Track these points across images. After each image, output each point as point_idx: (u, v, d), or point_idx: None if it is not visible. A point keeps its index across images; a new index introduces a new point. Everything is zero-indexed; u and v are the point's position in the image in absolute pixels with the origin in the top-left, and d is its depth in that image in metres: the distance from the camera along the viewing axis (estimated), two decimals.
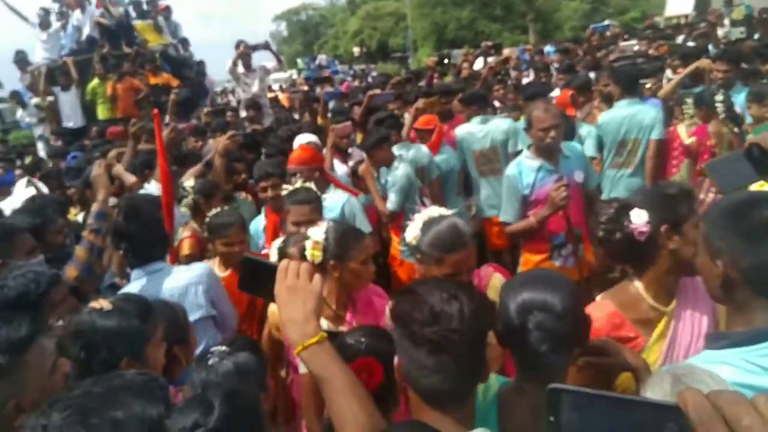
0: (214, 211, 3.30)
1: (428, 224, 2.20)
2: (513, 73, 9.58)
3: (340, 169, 4.93)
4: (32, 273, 2.25)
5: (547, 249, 3.71)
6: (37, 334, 1.64)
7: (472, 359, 1.27)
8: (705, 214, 1.55)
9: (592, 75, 6.88)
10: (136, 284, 2.65)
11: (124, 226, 2.66)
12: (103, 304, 1.88)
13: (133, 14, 11.93)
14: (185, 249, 3.41)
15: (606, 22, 12.97)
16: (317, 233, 2.39)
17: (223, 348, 1.96)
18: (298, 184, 3.30)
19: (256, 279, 1.45)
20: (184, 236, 3.47)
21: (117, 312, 1.85)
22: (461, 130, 5.44)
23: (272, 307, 2.55)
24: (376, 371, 1.61)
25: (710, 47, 7.44)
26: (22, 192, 4.76)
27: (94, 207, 2.80)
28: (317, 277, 1.41)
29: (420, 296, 1.29)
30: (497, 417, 1.54)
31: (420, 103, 5.66)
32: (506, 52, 12.65)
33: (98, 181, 2.84)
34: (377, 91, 6.57)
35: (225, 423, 1.26)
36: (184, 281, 2.70)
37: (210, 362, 1.92)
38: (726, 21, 12.52)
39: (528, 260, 3.74)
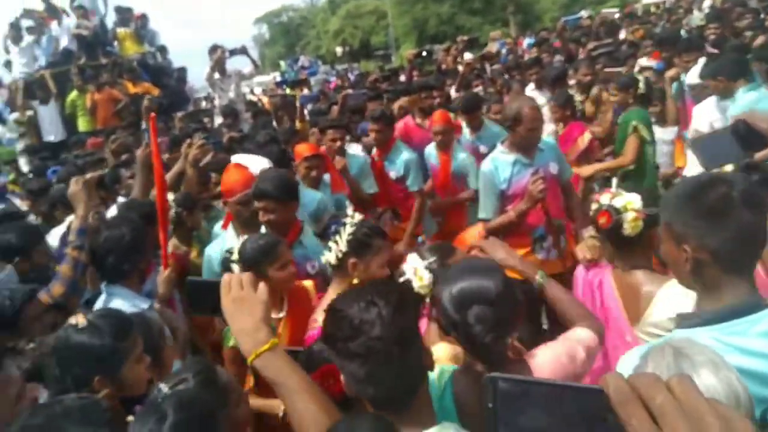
0: (241, 237, 2.66)
1: None
2: (489, 68, 9.59)
3: None
4: (6, 291, 2.25)
5: (529, 243, 3.72)
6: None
7: (407, 358, 1.27)
8: (662, 202, 1.58)
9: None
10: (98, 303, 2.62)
11: (91, 242, 2.65)
12: (79, 319, 1.83)
13: (110, 23, 11.83)
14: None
15: (580, 14, 13.00)
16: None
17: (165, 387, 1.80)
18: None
19: (203, 299, 1.45)
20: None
21: (90, 329, 1.81)
22: None
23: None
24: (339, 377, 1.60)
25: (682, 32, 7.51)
26: None
27: (75, 223, 2.75)
28: (261, 285, 1.42)
29: (340, 311, 1.30)
30: (453, 399, 1.57)
31: (402, 101, 5.66)
32: (490, 45, 12.69)
33: (76, 197, 2.78)
34: (350, 90, 6.57)
35: (178, 430, 1.23)
36: None
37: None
38: (705, 3, 12.58)
39: None
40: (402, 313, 1.28)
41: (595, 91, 5.95)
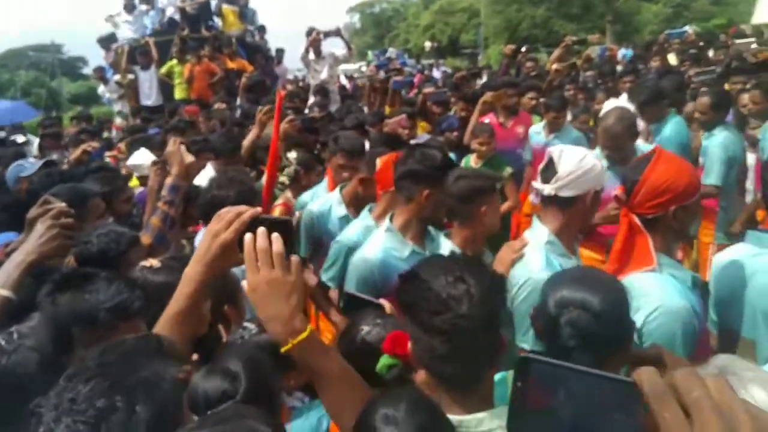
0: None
1: None
2: (581, 74, 9.35)
3: None
4: (114, 233, 2.38)
5: (603, 250, 3.67)
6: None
7: (487, 340, 1.24)
8: None
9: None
10: None
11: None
12: (152, 262, 1.97)
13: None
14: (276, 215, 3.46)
15: (684, 28, 12.39)
16: None
17: (254, 327, 1.96)
18: None
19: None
20: (276, 204, 3.50)
21: (165, 269, 1.95)
22: None
23: None
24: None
25: None
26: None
27: (168, 180, 2.93)
28: (295, 263, 1.25)
29: (425, 282, 1.25)
30: None
31: (487, 96, 5.49)
32: (590, 50, 12.36)
33: (172, 156, 2.96)
34: (431, 89, 6.52)
35: (251, 394, 1.25)
36: None
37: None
38: None
39: (582, 254, 3.74)
40: (491, 296, 1.25)
41: (689, 107, 5.73)
